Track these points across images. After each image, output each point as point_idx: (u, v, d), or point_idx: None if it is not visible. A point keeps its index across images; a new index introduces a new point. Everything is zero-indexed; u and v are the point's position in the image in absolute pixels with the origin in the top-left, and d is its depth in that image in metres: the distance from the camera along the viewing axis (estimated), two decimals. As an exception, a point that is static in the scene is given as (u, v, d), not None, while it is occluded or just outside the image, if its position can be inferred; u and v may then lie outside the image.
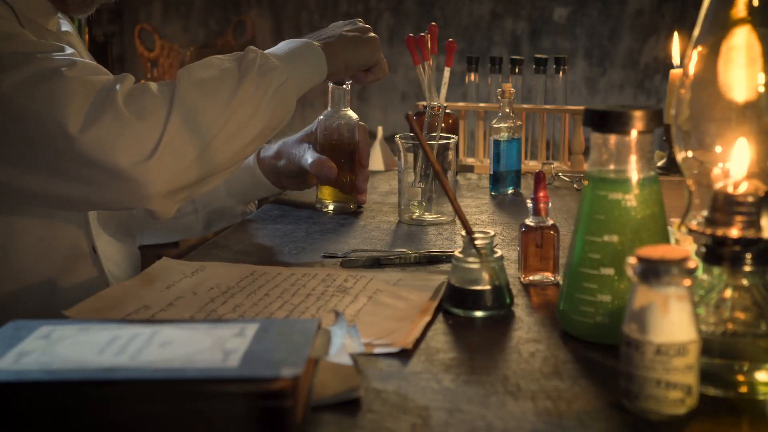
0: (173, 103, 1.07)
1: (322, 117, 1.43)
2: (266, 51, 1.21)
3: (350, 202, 1.43)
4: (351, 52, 1.31)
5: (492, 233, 0.95)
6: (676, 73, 1.67)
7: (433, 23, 1.43)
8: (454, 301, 0.94)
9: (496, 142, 1.53)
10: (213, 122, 1.09)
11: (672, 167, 1.65)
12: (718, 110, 0.79)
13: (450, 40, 1.40)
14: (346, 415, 0.71)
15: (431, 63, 1.41)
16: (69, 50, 1.11)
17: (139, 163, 1.04)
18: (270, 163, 1.47)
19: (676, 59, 1.71)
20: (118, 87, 1.06)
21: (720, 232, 0.74)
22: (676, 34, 1.74)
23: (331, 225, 1.35)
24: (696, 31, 0.80)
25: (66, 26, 1.33)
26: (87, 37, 3.10)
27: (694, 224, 0.76)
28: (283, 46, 1.25)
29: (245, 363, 0.66)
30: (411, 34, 1.40)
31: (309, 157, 1.40)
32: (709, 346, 0.73)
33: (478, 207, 1.45)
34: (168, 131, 1.06)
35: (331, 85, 1.42)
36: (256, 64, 1.15)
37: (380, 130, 1.86)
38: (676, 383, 0.68)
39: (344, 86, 1.42)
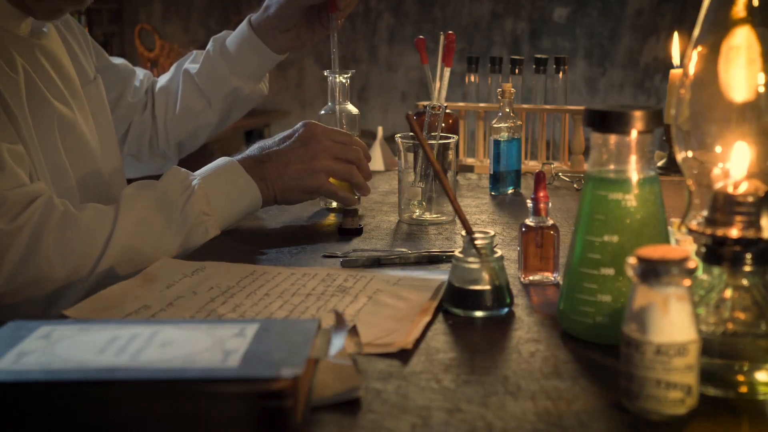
0: (108, 244, 1.12)
1: (322, 112, 1.43)
2: (203, 184, 1.21)
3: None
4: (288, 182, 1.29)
5: (492, 233, 0.95)
6: (676, 73, 1.67)
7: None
8: (454, 301, 0.94)
9: (496, 142, 1.53)
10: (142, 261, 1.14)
11: (672, 167, 1.65)
12: (718, 110, 0.79)
13: (449, 40, 1.40)
14: (346, 415, 0.71)
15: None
16: None
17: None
18: (265, 22, 1.48)
19: (676, 59, 1.71)
20: (44, 228, 1.09)
21: (720, 232, 0.74)
22: (676, 34, 1.74)
23: (331, 225, 1.35)
24: (696, 31, 0.80)
25: (46, 26, 1.31)
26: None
27: (694, 224, 0.76)
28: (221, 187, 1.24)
29: (245, 363, 0.66)
30: (421, 36, 1.40)
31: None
32: (709, 346, 0.73)
33: (478, 207, 1.45)
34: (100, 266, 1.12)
35: (330, 79, 1.42)
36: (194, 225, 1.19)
37: (380, 130, 1.85)
38: (676, 383, 0.68)
39: (343, 79, 1.42)
